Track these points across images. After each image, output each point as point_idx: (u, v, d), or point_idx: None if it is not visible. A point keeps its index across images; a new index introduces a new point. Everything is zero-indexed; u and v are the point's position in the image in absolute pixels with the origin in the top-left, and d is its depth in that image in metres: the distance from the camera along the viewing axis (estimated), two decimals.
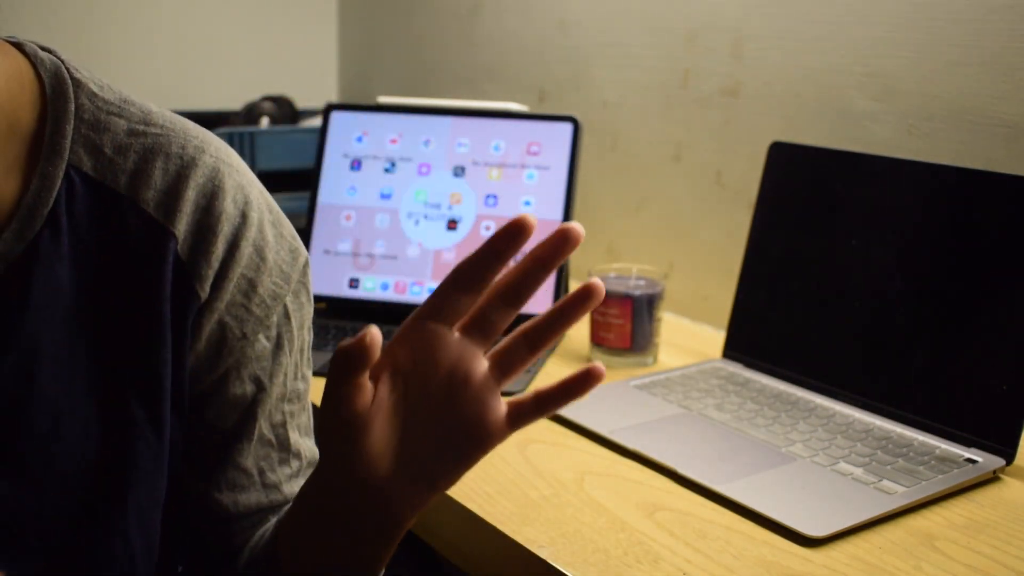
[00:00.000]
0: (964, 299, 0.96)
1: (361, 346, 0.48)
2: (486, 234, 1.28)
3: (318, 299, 1.28)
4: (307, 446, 0.72)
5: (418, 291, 1.29)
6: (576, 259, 1.51)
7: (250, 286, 0.66)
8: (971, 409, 0.94)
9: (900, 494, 0.84)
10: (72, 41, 1.82)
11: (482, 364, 0.53)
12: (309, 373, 0.73)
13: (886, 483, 0.86)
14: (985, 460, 0.90)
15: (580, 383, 0.53)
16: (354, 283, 1.30)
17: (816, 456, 0.92)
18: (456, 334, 0.53)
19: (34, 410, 0.60)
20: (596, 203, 1.56)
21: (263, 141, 1.60)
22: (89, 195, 0.62)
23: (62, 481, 0.61)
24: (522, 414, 0.54)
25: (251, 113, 1.78)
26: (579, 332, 1.26)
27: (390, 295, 1.29)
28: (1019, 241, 0.92)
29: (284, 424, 0.70)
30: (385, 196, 1.32)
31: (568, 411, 0.96)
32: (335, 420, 0.52)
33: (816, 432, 0.97)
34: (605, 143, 1.54)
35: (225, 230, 0.64)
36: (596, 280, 0.52)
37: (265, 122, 1.75)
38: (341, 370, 0.50)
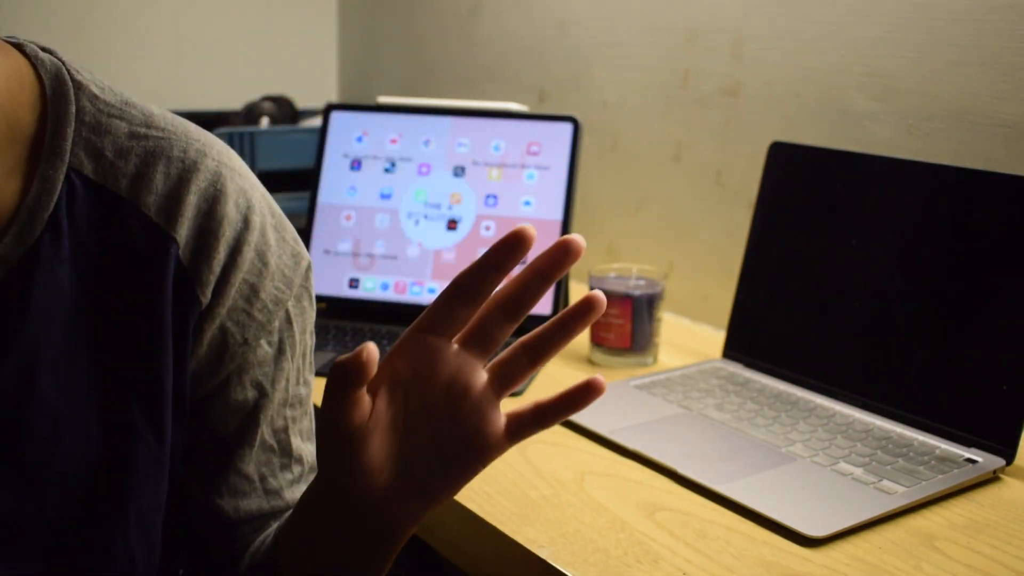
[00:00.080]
0: (964, 299, 0.96)
1: (358, 362, 0.48)
2: (486, 234, 1.28)
3: (318, 299, 1.28)
4: (309, 451, 0.72)
5: (418, 291, 1.29)
6: None
7: (252, 291, 0.65)
8: (971, 409, 0.94)
9: (900, 494, 0.84)
10: (72, 41, 1.82)
11: (481, 376, 0.53)
12: (311, 378, 0.73)
13: (886, 483, 0.86)
14: (985, 460, 0.90)
15: (580, 396, 0.52)
16: (354, 283, 1.30)
17: (816, 456, 0.92)
18: (455, 346, 0.52)
19: (34, 414, 0.59)
20: (596, 203, 1.56)
21: (263, 141, 1.60)
22: (90, 198, 0.61)
23: (62, 485, 0.60)
24: (522, 426, 0.53)
25: (251, 113, 1.78)
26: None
27: (390, 295, 1.29)
28: (1019, 241, 0.92)
29: (286, 429, 0.70)
30: (385, 196, 1.32)
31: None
32: (333, 434, 0.52)
33: (816, 432, 0.97)
34: (605, 143, 1.54)
35: (227, 235, 0.64)
36: (597, 292, 0.51)
37: (265, 122, 1.75)
38: (338, 385, 0.50)
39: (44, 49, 0.63)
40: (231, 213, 0.64)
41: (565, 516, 0.82)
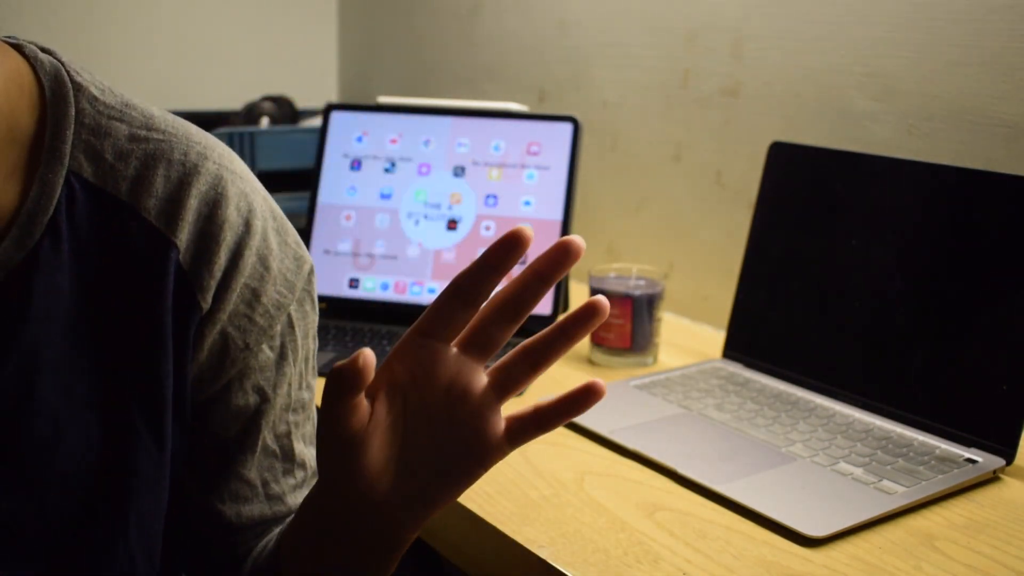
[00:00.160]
0: (964, 299, 0.96)
1: (354, 368, 0.48)
2: (486, 234, 1.28)
3: (318, 299, 1.27)
4: (312, 456, 0.72)
5: (418, 291, 1.29)
6: None
7: (253, 296, 0.65)
8: (971, 409, 0.94)
9: (900, 494, 0.84)
10: (72, 41, 1.82)
11: (481, 379, 0.52)
12: (314, 382, 0.72)
13: (886, 483, 0.86)
14: (985, 460, 0.90)
15: (580, 400, 0.52)
16: (354, 283, 1.30)
17: (816, 456, 0.92)
18: (454, 349, 0.52)
19: (34, 418, 0.59)
20: (596, 203, 1.56)
21: (263, 141, 1.60)
22: (90, 202, 0.61)
23: (62, 489, 0.60)
24: (522, 430, 0.53)
25: (251, 113, 1.78)
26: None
27: (390, 295, 1.29)
28: (1019, 241, 0.92)
29: (288, 434, 0.69)
30: (385, 196, 1.32)
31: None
32: (332, 440, 0.52)
33: (816, 432, 0.97)
34: (605, 143, 1.54)
35: (228, 239, 0.63)
36: (600, 297, 0.51)
37: (265, 122, 1.75)
38: (336, 391, 0.49)
39: (44, 50, 0.62)
40: (232, 217, 0.64)
41: (565, 516, 0.82)
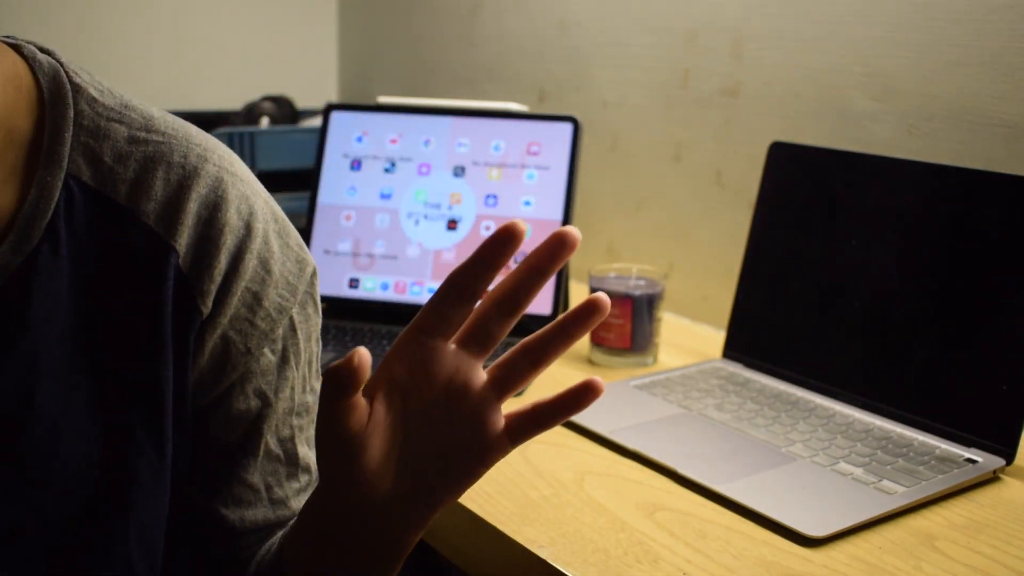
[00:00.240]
0: (964, 299, 0.96)
1: (349, 367, 0.47)
2: (486, 234, 1.28)
3: None
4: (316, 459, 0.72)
5: (418, 291, 1.29)
6: (576, 259, 1.51)
7: (255, 300, 0.64)
8: (971, 409, 0.94)
9: (900, 494, 0.84)
10: (72, 41, 1.82)
11: (480, 376, 0.52)
12: (318, 385, 0.71)
13: (886, 483, 0.86)
14: (985, 460, 0.90)
15: (579, 397, 0.51)
16: (354, 283, 1.30)
17: (816, 456, 0.92)
18: (452, 346, 0.52)
19: (34, 424, 0.58)
20: (596, 203, 1.56)
21: (263, 141, 1.60)
22: (88, 206, 0.60)
23: (62, 495, 0.60)
24: (522, 428, 0.52)
25: (251, 113, 1.78)
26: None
27: (390, 295, 1.29)
28: (1019, 241, 0.92)
29: (292, 438, 0.69)
30: (385, 196, 1.32)
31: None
32: (331, 440, 0.51)
33: (816, 432, 0.97)
34: (605, 143, 1.54)
35: (228, 243, 0.63)
36: (601, 294, 0.50)
37: (265, 122, 1.75)
38: (332, 392, 0.49)
39: (42, 50, 0.61)
40: (232, 220, 0.63)
41: (565, 516, 0.82)
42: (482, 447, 0.52)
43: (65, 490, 0.60)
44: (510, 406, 0.53)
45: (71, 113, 0.60)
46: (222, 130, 1.60)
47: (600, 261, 1.53)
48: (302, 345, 0.68)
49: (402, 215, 1.31)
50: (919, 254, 1.00)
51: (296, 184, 1.53)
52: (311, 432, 0.71)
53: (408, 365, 0.52)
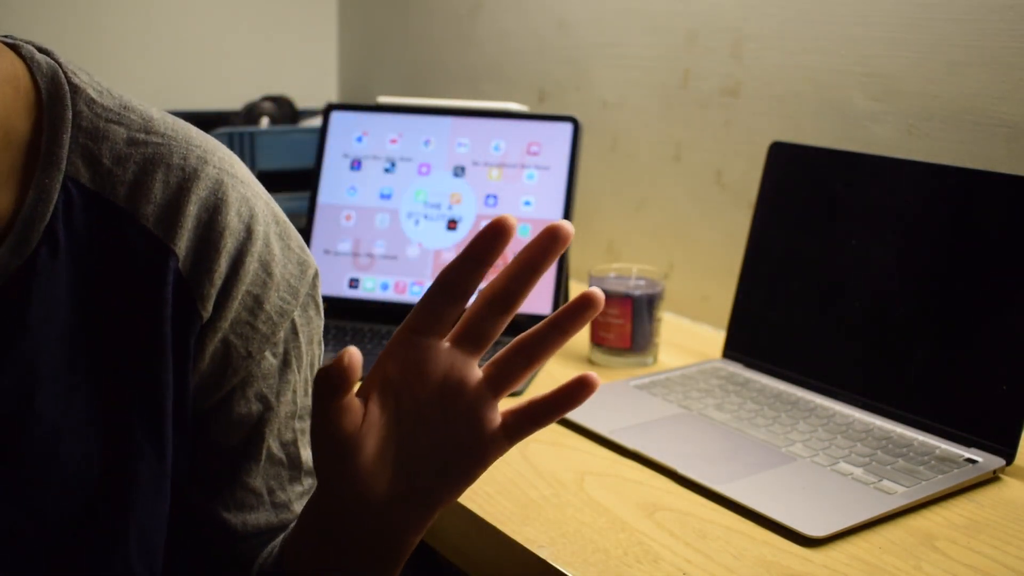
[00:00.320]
0: (964, 299, 0.96)
1: (339, 368, 0.47)
2: None
3: None
4: None
5: (418, 291, 1.29)
6: (576, 259, 1.51)
7: (256, 303, 0.64)
8: (971, 409, 0.94)
9: (900, 494, 0.84)
10: (71, 41, 1.82)
11: (475, 374, 0.52)
12: None
13: (886, 483, 0.86)
14: (985, 460, 0.90)
15: (573, 393, 0.51)
16: (354, 283, 1.30)
17: (816, 456, 0.92)
18: (446, 345, 0.51)
19: (33, 427, 0.58)
20: (596, 203, 1.56)
21: (263, 141, 1.60)
22: (87, 208, 0.59)
23: (61, 499, 0.59)
24: (518, 426, 0.52)
25: (251, 113, 1.78)
26: (580, 331, 1.25)
27: (390, 295, 1.29)
28: (1019, 241, 0.92)
29: (295, 442, 0.68)
30: (385, 196, 1.32)
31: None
32: (326, 442, 0.51)
33: (816, 432, 0.97)
34: (605, 143, 1.54)
35: (228, 246, 0.62)
36: (595, 289, 0.50)
37: (265, 122, 1.75)
38: (324, 394, 0.49)
39: (41, 50, 0.61)
40: (233, 223, 0.62)
41: (565, 516, 0.82)
42: (478, 445, 0.52)
43: (64, 491, 0.59)
44: (505, 405, 0.53)
45: (69, 114, 0.59)
46: (222, 130, 1.60)
47: (600, 261, 1.53)
48: (304, 348, 0.68)
49: (402, 215, 1.31)
50: (919, 254, 1.00)
51: (296, 184, 1.53)
52: None
53: (402, 365, 0.51)
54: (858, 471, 0.89)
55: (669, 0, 1.41)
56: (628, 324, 1.17)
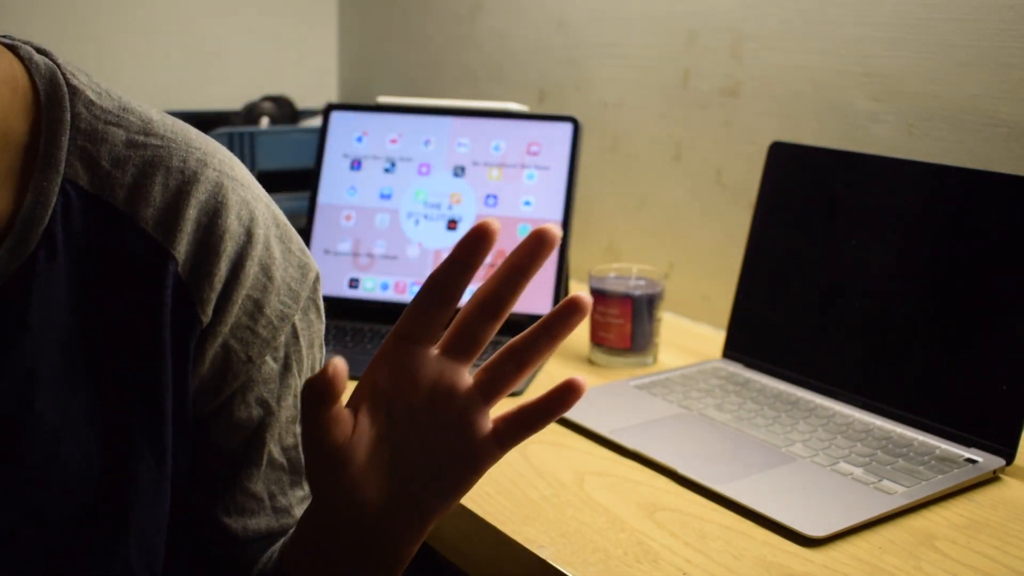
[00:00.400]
0: (964, 299, 0.96)
1: (325, 379, 0.46)
2: None
3: None
4: None
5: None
6: (576, 259, 1.51)
7: (256, 307, 0.63)
8: (971, 409, 0.94)
9: (900, 494, 0.84)
10: (71, 41, 1.82)
11: (465, 381, 0.51)
12: None
13: (886, 483, 0.86)
14: (985, 460, 0.90)
15: (562, 397, 0.50)
16: (354, 283, 1.30)
17: (816, 456, 0.92)
18: (436, 352, 0.51)
19: (32, 430, 0.58)
20: (596, 203, 1.56)
21: (263, 141, 1.60)
22: (86, 211, 0.59)
23: (61, 500, 0.59)
24: (510, 432, 0.51)
25: (251, 113, 1.78)
26: (579, 332, 1.25)
27: (390, 295, 1.29)
28: (1019, 241, 0.92)
29: (296, 446, 0.68)
30: (385, 196, 1.32)
31: (569, 410, 0.96)
32: (316, 453, 0.51)
33: (816, 432, 0.97)
34: (605, 143, 1.54)
35: (228, 250, 0.61)
36: (582, 294, 0.49)
37: (265, 122, 1.75)
38: (312, 405, 0.48)
39: (39, 50, 0.60)
40: (233, 226, 0.62)
41: (565, 516, 0.82)
42: (470, 452, 0.51)
43: (64, 492, 0.59)
44: (502, 408, 0.52)
45: (68, 116, 0.59)
46: (222, 130, 1.60)
47: (600, 261, 1.53)
48: (304, 352, 0.67)
49: (402, 215, 1.31)
50: (919, 254, 1.00)
51: (296, 184, 1.53)
52: None
53: (391, 372, 0.51)
54: (858, 471, 0.89)
55: (669, 0, 1.41)
56: (628, 324, 1.17)
